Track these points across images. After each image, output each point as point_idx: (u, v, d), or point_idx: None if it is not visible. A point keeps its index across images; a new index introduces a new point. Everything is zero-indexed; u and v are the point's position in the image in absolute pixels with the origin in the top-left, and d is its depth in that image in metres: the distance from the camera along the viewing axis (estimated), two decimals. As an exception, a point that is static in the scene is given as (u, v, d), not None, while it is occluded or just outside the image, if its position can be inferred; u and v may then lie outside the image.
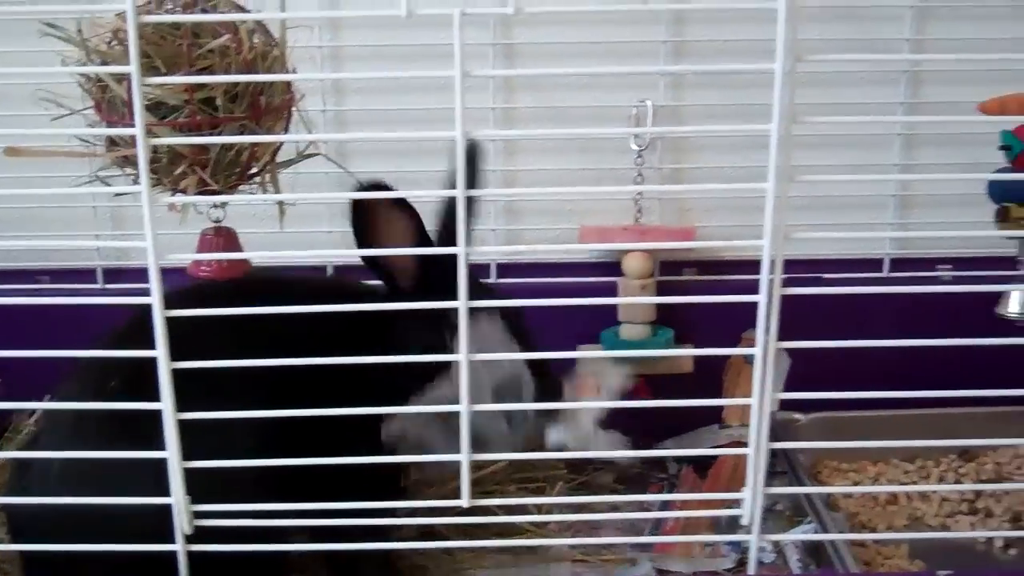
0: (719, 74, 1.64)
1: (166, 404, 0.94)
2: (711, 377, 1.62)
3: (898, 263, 1.72)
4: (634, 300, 1.59)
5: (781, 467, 1.49)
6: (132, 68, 0.85)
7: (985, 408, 1.51)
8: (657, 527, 1.44)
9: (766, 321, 0.92)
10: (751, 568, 1.05)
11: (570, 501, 1.35)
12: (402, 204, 1.09)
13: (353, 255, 1.07)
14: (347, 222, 1.06)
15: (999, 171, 1.16)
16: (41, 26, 1.08)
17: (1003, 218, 1.10)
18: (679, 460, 1.63)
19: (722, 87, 1.64)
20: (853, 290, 0.96)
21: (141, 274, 0.95)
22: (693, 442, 1.63)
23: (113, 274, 1.73)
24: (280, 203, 1.20)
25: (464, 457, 0.98)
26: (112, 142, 1.08)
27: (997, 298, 1.30)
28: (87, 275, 1.73)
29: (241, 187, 1.14)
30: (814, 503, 1.37)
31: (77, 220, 1.71)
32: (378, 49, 1.65)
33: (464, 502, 1.01)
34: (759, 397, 0.95)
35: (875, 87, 1.67)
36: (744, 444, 1.00)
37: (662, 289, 1.62)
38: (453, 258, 0.91)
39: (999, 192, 1.08)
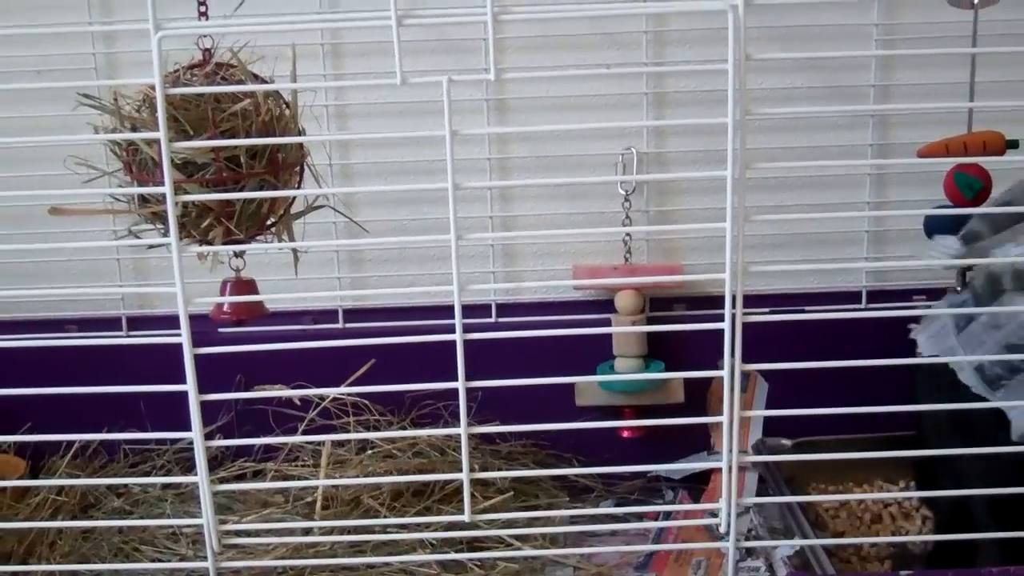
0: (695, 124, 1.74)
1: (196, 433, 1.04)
2: (701, 406, 1.69)
3: (875, 295, 1.81)
4: (622, 330, 1.69)
5: (774, 491, 1.54)
6: (161, 134, 0.97)
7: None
8: (651, 555, 1.51)
9: (731, 345, 1.03)
10: (729, 574, 1.15)
11: (564, 514, 1.44)
12: None
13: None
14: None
15: (937, 207, 1.26)
16: (77, 96, 1.17)
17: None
18: (674, 488, 1.72)
19: (701, 135, 1.72)
20: (809, 317, 1.06)
21: (162, 321, 1.03)
22: (685, 470, 1.69)
23: (136, 322, 1.81)
24: (294, 250, 1.30)
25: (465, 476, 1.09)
26: (143, 199, 1.17)
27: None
28: (113, 323, 1.81)
29: (258, 236, 1.22)
30: (800, 522, 1.43)
31: (101, 273, 1.80)
32: (380, 107, 1.77)
33: (466, 516, 1.11)
34: (728, 413, 1.06)
35: (844, 131, 1.78)
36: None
37: (652, 324, 1.73)
38: None
39: (937, 228, 1.17)
